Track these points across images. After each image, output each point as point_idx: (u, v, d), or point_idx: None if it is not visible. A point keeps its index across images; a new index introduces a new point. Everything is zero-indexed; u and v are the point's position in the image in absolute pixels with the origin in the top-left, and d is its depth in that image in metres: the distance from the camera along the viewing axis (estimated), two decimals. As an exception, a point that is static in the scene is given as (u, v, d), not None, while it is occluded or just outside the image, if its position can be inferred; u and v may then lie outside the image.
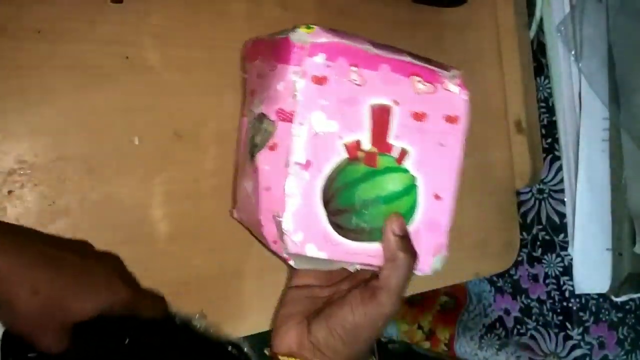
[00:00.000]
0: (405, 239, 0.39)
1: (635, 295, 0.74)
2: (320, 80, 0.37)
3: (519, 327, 0.80)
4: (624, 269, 0.71)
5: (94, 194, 0.48)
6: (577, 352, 0.73)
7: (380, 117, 0.38)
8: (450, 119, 0.40)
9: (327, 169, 0.37)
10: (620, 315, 0.75)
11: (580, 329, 0.73)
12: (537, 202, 0.76)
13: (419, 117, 0.39)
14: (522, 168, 0.73)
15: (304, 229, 0.37)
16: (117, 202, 0.49)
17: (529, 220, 0.77)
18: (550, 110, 0.73)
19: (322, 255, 0.38)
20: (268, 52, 0.40)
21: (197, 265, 0.52)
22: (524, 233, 0.77)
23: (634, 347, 0.76)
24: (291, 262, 0.39)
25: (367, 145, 0.38)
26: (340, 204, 0.38)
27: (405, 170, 0.39)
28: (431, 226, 0.40)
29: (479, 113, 0.71)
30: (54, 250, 0.38)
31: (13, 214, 0.45)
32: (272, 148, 0.38)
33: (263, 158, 0.39)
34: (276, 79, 0.38)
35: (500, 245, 0.72)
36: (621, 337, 0.75)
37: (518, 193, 0.76)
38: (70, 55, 0.47)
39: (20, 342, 0.36)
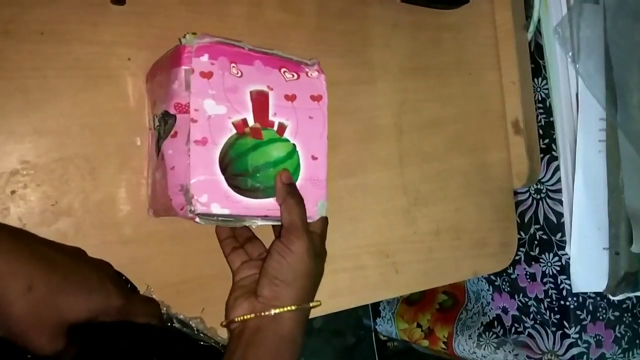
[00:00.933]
0: (291, 185, 0.48)
1: (632, 294, 0.74)
2: (207, 75, 0.45)
3: (516, 325, 0.81)
4: (621, 268, 0.71)
5: (96, 194, 0.48)
6: (575, 350, 0.74)
7: (260, 100, 0.47)
8: (315, 98, 0.50)
9: (222, 142, 0.45)
10: (617, 313, 0.76)
11: (578, 328, 0.74)
12: (534, 201, 0.76)
13: (290, 98, 0.49)
14: (520, 168, 0.73)
15: (207, 191, 0.45)
16: (119, 202, 0.49)
17: (526, 219, 0.77)
18: (548, 111, 0.74)
19: (226, 211, 0.46)
20: (164, 65, 0.48)
21: (198, 265, 0.52)
22: (522, 232, 0.78)
23: (630, 346, 0.77)
24: (197, 220, 0.45)
25: (251, 122, 0.47)
26: (236, 170, 0.46)
27: (286, 140, 0.48)
28: (313, 181, 0.50)
29: (478, 114, 0.71)
30: (48, 249, 0.39)
31: (16, 214, 0.45)
32: (173, 136, 0.46)
33: (166, 145, 0.47)
34: (172, 80, 0.46)
35: (498, 244, 0.73)
36: (618, 335, 0.76)
37: (516, 193, 0.76)
38: (72, 57, 0.48)
39: (15, 346, 0.36)
